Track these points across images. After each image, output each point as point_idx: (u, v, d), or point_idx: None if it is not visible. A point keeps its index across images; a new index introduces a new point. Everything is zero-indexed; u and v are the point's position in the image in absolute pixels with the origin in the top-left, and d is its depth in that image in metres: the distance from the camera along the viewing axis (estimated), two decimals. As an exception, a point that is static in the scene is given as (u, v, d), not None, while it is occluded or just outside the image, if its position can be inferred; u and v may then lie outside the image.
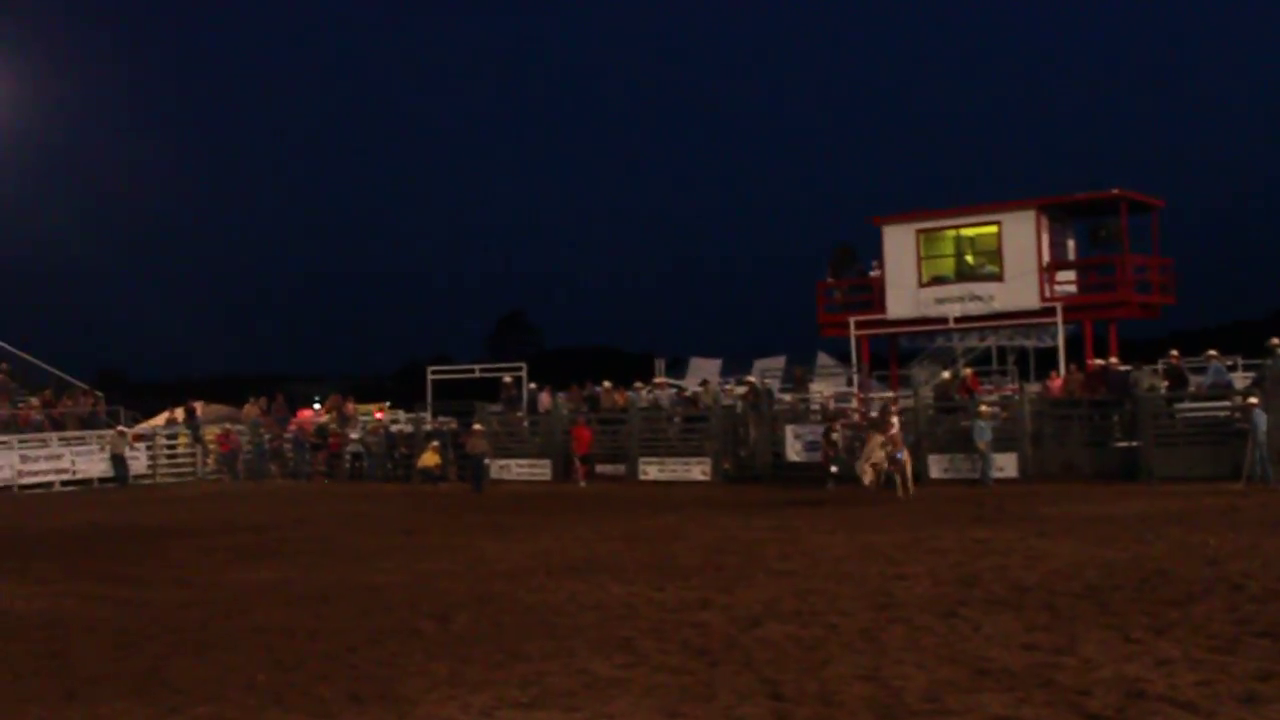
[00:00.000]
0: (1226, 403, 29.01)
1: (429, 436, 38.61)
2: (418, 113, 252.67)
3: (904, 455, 26.92)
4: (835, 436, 30.95)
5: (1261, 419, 26.06)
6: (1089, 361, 33.04)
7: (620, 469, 35.05)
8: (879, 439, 26.59)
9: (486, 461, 34.96)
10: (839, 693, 9.63)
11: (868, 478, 26.29)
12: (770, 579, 15.69)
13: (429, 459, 36.37)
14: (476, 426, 36.11)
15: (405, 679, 10.66)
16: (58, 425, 42.02)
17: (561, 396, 38.77)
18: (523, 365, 42.30)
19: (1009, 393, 34.37)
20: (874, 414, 29.91)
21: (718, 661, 10.96)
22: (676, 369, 48.03)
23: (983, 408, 30.15)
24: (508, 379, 40.87)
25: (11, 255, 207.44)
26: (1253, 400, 26.67)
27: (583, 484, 34.09)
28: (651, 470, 34.23)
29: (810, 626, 12.41)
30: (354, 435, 40.91)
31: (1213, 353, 31.14)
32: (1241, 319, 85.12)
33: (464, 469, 36.13)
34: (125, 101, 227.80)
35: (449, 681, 10.51)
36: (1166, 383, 30.55)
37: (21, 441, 39.73)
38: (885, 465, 26.54)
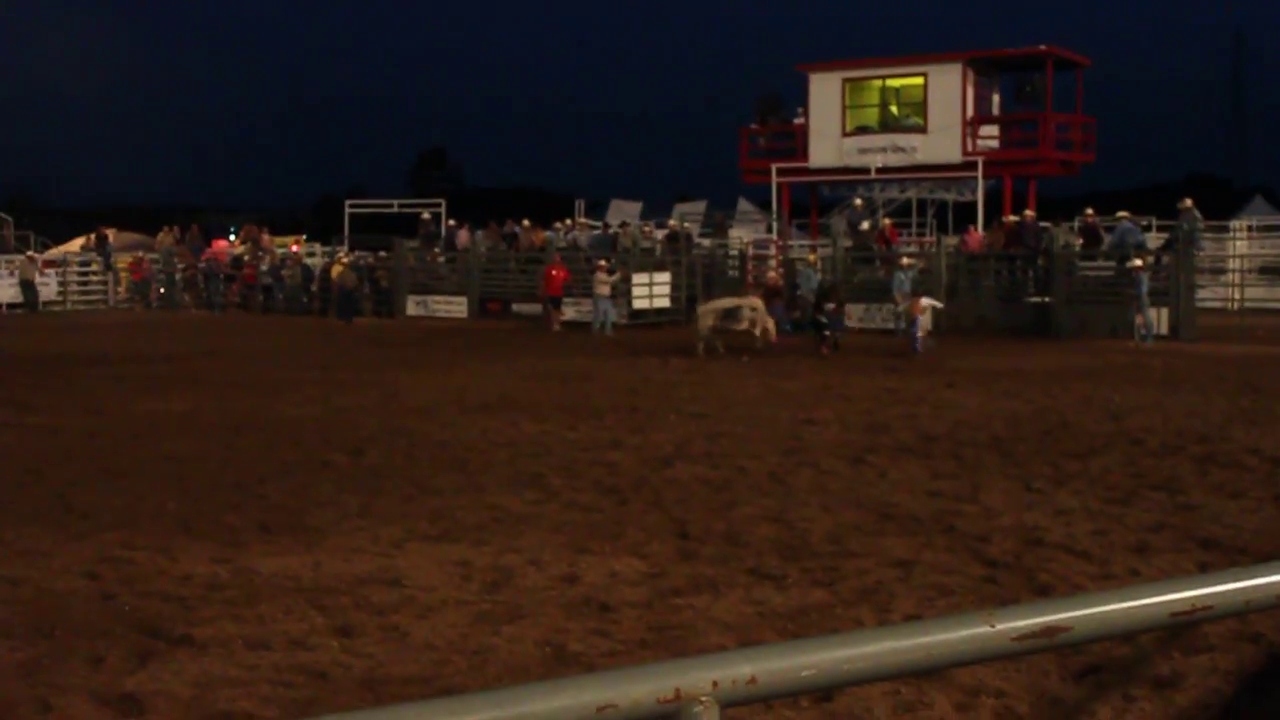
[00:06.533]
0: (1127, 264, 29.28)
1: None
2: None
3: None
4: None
5: (1144, 282, 26.34)
6: (1005, 217, 33.16)
7: (537, 309, 34.89)
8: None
9: (355, 293, 36.01)
10: (745, 533, 9.78)
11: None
12: (682, 421, 15.83)
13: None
14: (341, 258, 36.69)
15: (315, 510, 10.68)
16: (-36, 249, 41.21)
17: (480, 234, 38.47)
18: (441, 201, 41.92)
19: (927, 245, 34.51)
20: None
21: (627, 500, 11.09)
22: (597, 210, 47.88)
23: (904, 259, 30.17)
24: (426, 215, 40.49)
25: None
26: (1137, 264, 26.85)
27: (556, 328, 32.20)
28: (569, 311, 34.07)
29: (719, 468, 12.56)
30: (265, 268, 40.40)
31: (1123, 214, 31.10)
32: (1159, 181, 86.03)
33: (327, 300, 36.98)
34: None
35: (359, 514, 10.55)
36: (1080, 240, 30.82)
37: (-73, 265, 38.99)
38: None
